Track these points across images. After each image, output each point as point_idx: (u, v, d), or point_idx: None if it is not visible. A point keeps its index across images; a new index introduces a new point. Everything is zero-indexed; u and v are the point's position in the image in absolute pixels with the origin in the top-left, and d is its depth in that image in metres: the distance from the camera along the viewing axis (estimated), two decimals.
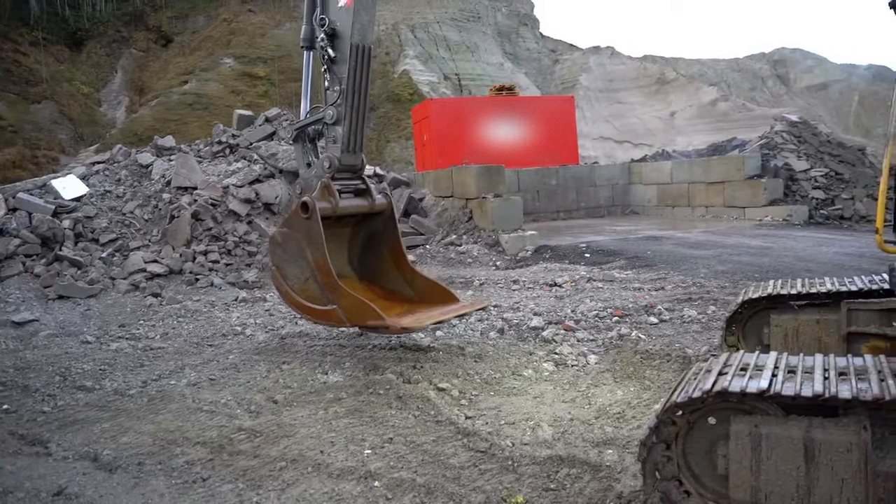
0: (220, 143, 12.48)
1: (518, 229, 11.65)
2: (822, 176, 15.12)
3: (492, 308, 6.65)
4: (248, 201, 10.38)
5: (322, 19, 4.95)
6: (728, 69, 51.19)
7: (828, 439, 2.20)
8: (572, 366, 4.81)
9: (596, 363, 4.83)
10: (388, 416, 3.86)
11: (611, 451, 3.36)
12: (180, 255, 9.29)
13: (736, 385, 2.32)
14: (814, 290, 3.94)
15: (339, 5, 4.92)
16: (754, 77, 50.73)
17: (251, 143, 12.19)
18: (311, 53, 5.29)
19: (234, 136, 12.53)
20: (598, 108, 41.73)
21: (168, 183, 10.76)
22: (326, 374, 4.73)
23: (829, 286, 3.95)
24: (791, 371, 2.42)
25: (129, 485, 3.24)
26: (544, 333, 5.56)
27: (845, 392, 2.20)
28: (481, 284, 8.32)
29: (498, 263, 10.32)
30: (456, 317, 4.69)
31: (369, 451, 3.42)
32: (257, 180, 10.89)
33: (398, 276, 5.39)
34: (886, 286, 3.68)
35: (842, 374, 2.36)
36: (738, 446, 2.32)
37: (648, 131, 40.49)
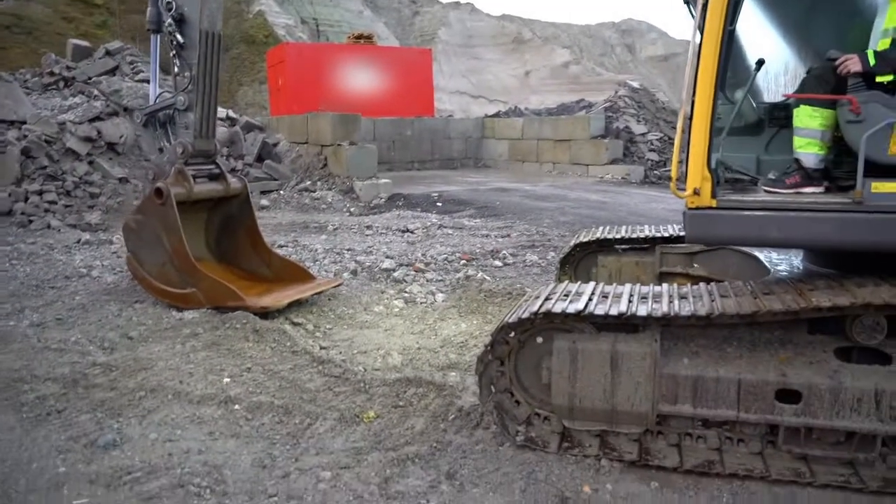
0: (52, 74, 11.52)
1: (372, 177, 11.87)
2: (657, 140, 16.57)
3: (345, 251, 6.90)
4: (88, 139, 9.74)
5: (169, 4, 4.84)
6: (581, 34, 53.49)
7: (628, 350, 2.70)
8: (421, 303, 5.19)
9: (443, 300, 5.25)
10: (245, 349, 4.03)
11: (454, 373, 3.77)
12: (9, 195, 8.62)
13: (558, 307, 2.75)
14: (634, 236, 4.58)
15: None
16: (604, 44, 53.45)
17: (90, 78, 11.37)
18: (158, 37, 5.12)
19: (69, 67, 11.62)
20: (456, 62, 42.24)
21: None
22: (182, 311, 4.78)
23: (647, 233, 4.59)
24: (604, 296, 2.90)
25: None
26: (395, 274, 5.91)
27: (642, 311, 2.69)
28: (335, 230, 8.51)
29: (352, 210, 10.53)
30: (312, 294, 4.90)
31: (228, 380, 3.60)
32: (98, 118, 10.21)
33: (255, 258, 5.50)
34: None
35: (643, 298, 2.87)
36: (560, 359, 2.77)
37: (504, 88, 41.69)
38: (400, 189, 11.92)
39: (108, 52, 12.24)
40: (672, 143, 16.80)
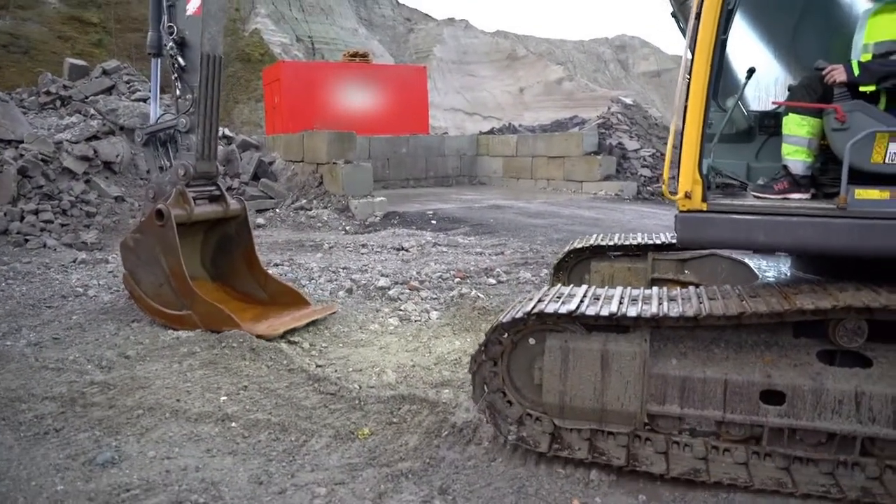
0: (48, 93, 11.62)
1: (368, 195, 11.97)
2: (649, 156, 16.74)
3: (340, 269, 6.96)
4: (85, 159, 9.82)
5: (171, 27, 4.92)
6: (574, 50, 54.07)
7: (618, 350, 2.78)
8: (415, 321, 5.25)
9: (437, 318, 5.31)
10: (242, 367, 4.08)
11: (447, 390, 3.83)
12: (5, 214, 8.67)
13: (551, 308, 2.82)
14: (627, 243, 4.69)
15: (188, 14, 4.90)
16: (598, 60, 54.04)
17: (87, 97, 11.47)
18: (159, 60, 5.22)
19: (65, 87, 11.72)
20: (451, 79, 42.60)
21: None
22: (178, 330, 4.82)
23: (639, 240, 4.71)
24: (596, 298, 2.97)
25: None
26: (390, 292, 5.97)
27: (633, 312, 2.76)
28: (330, 248, 8.58)
29: (347, 228, 10.60)
30: (307, 324, 4.94)
31: (225, 398, 3.65)
32: (95, 137, 10.30)
33: (251, 280, 5.54)
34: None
35: (633, 300, 2.94)
36: (551, 358, 2.84)
37: (498, 105, 42.01)
38: (395, 207, 12.02)
39: (104, 72, 12.36)
40: (664, 159, 16.98)
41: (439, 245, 8.59)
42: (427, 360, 4.38)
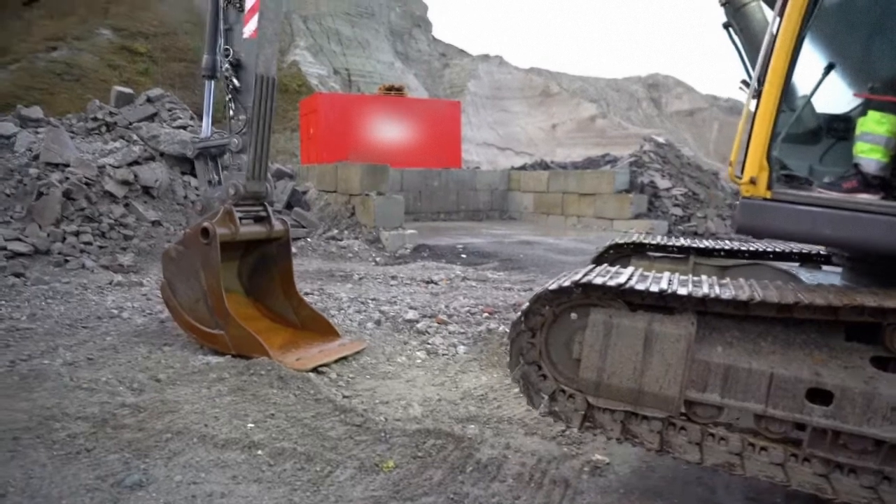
0: (95, 119, 11.98)
1: (399, 227, 12.07)
2: (681, 195, 16.66)
3: (370, 300, 7.00)
4: (125, 183, 10.09)
5: (227, 50, 5.09)
6: (608, 88, 54.24)
7: (664, 331, 2.69)
8: (443, 355, 5.25)
9: (465, 353, 5.31)
10: (269, 395, 4.12)
11: (473, 426, 3.81)
12: (48, 235, 8.91)
13: (598, 280, 2.77)
14: (670, 244, 4.58)
15: (244, 37, 5.06)
16: (631, 98, 54.13)
17: (130, 123, 11.81)
18: (213, 82, 5.39)
19: (111, 113, 12.07)
20: (484, 114, 43.03)
21: (36, 157, 10.21)
22: (208, 355, 4.89)
23: (682, 242, 4.60)
24: (644, 277, 2.91)
25: (4, 458, 3.25)
26: (418, 325, 5.99)
27: (682, 290, 2.67)
28: (360, 279, 8.64)
29: (377, 259, 10.68)
30: (336, 360, 4.93)
31: (252, 425, 3.68)
32: (136, 162, 10.57)
33: (285, 302, 5.59)
34: (727, 246, 4.37)
35: (682, 283, 2.85)
36: (594, 333, 2.78)
37: (530, 141, 42.26)
38: (425, 240, 12.09)
39: (148, 99, 12.73)
40: (696, 199, 16.86)
41: (468, 279, 8.61)
42: (453, 395, 4.37)
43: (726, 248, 4.39)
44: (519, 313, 2.91)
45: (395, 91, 20.96)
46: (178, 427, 3.60)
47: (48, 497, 2.85)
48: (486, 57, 48.86)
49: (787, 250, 4.25)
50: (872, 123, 2.91)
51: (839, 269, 3.57)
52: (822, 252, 4.21)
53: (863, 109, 2.98)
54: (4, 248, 8.37)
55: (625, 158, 18.46)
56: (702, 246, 4.45)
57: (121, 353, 4.97)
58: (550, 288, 2.81)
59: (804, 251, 4.26)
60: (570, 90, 47.55)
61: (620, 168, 17.28)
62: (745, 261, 4.17)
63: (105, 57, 34.10)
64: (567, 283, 2.78)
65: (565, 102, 44.33)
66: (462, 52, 51.22)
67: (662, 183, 16.79)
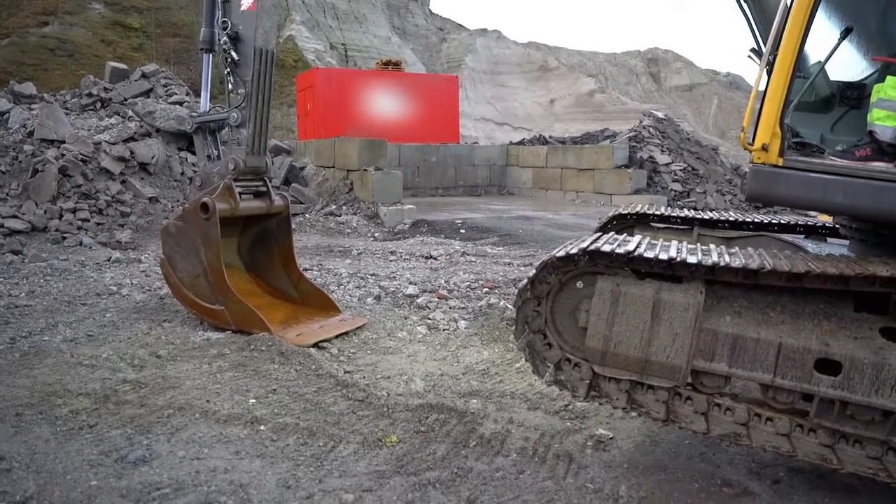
0: (90, 95, 11.86)
1: (397, 203, 12.02)
2: (680, 170, 16.60)
3: (369, 276, 6.99)
4: (122, 159, 10.01)
5: (224, 22, 5.01)
6: (606, 63, 53.83)
7: (671, 300, 2.67)
8: (444, 330, 5.25)
9: (465, 328, 5.30)
10: (271, 370, 4.11)
11: (475, 400, 3.81)
12: (45, 212, 8.86)
13: (607, 248, 2.72)
14: (674, 214, 4.55)
15: (242, 9, 4.98)
16: (629, 73, 53.74)
17: (126, 99, 11.68)
18: (210, 56, 5.32)
19: (106, 89, 11.94)
20: (482, 89, 42.70)
21: (30, 134, 10.13)
22: (208, 331, 4.88)
23: (686, 213, 4.57)
24: (652, 245, 2.87)
25: (7, 433, 3.24)
26: (419, 301, 5.97)
27: (692, 259, 2.64)
28: (359, 254, 8.62)
29: (376, 235, 10.65)
30: (337, 336, 4.90)
31: (254, 401, 3.67)
32: (132, 138, 10.48)
33: (285, 277, 5.57)
34: (731, 218, 4.33)
35: (691, 251, 2.81)
36: (600, 301, 2.75)
37: (529, 116, 42.00)
38: (424, 215, 12.05)
39: (143, 75, 12.57)
40: (696, 174, 16.81)
41: (468, 254, 8.58)
42: (455, 370, 4.37)
43: (731, 219, 4.36)
44: (525, 281, 2.87)
45: (392, 66, 20.75)
46: (179, 403, 3.60)
47: (52, 472, 2.84)
48: (483, 31, 48.37)
49: (791, 222, 4.22)
50: (890, 89, 2.85)
51: (846, 242, 3.54)
52: (827, 224, 4.19)
53: (880, 75, 2.92)
54: (1, 226, 8.33)
55: (624, 133, 18.35)
56: (706, 217, 4.42)
57: (121, 330, 4.96)
58: (557, 255, 2.77)
59: (809, 223, 4.24)
60: (569, 65, 47.17)
61: (619, 143, 17.18)
62: (750, 232, 4.13)
63: (98, 32, 33.70)
64: (574, 251, 2.74)
65: (564, 77, 43.99)
66: (459, 26, 50.73)
67: (662, 158, 16.72)
